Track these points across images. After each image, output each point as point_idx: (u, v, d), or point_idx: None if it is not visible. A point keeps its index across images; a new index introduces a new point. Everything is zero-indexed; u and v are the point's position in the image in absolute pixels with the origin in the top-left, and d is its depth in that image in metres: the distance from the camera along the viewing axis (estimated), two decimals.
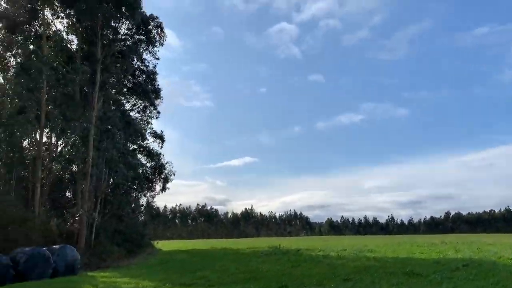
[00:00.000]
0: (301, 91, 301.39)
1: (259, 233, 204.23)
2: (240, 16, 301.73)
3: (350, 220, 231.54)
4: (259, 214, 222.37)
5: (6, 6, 30.85)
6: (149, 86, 41.26)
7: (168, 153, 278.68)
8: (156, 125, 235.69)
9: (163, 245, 77.72)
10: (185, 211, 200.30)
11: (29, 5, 32.33)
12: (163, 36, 36.78)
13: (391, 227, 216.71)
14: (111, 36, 33.83)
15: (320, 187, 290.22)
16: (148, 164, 54.91)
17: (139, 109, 41.25)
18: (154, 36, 36.55)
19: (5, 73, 33.04)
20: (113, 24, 33.39)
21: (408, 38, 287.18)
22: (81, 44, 34.36)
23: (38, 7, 32.57)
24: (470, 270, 17.29)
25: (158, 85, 42.38)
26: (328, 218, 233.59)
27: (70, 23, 35.09)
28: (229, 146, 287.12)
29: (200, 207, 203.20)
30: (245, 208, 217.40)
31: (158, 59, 38.59)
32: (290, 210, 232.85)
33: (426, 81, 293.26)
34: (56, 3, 33.29)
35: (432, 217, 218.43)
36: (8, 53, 33.81)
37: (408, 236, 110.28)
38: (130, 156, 37.80)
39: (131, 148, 55.16)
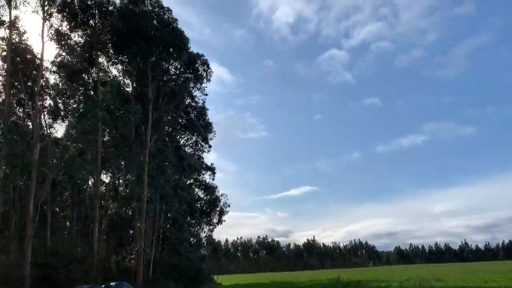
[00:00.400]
0: (357, 115, 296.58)
1: (323, 265, 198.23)
2: (289, 47, 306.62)
3: (420, 247, 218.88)
4: (322, 245, 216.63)
5: (64, 55, 33.12)
6: (200, 121, 42.32)
7: (228, 186, 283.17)
8: (212, 158, 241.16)
9: (224, 279, 77.65)
10: (246, 244, 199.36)
11: (86, 54, 34.73)
12: (209, 73, 37.89)
13: (465, 254, 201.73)
14: (160, 77, 35.30)
15: (386, 214, 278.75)
16: (204, 198, 55.78)
17: (191, 144, 42.22)
18: (201, 73, 37.72)
19: (68, 118, 35.39)
20: (162, 65, 34.82)
21: (465, 53, 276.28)
22: (134, 86, 36.20)
23: (94, 56, 34.84)
24: None
25: (208, 120, 43.43)
26: (396, 247, 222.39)
27: (124, 68, 37.23)
28: (287, 176, 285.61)
29: (260, 239, 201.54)
30: (307, 239, 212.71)
31: (206, 95, 39.68)
32: (354, 240, 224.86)
33: (491, 96, 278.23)
34: (111, 51, 35.47)
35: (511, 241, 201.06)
36: (71, 100, 36.30)
37: (485, 263, 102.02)
38: (185, 191, 38.46)
39: (187, 183, 56.52)
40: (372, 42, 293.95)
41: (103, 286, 23.30)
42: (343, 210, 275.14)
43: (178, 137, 41.65)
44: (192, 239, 52.90)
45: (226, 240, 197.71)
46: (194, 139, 41.71)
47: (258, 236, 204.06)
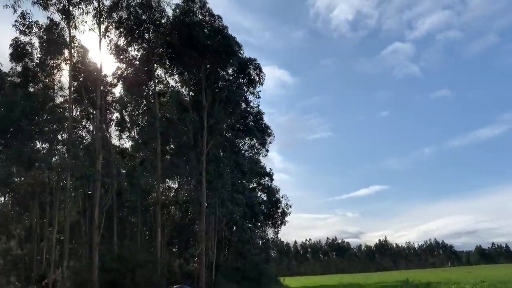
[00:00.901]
0: (427, 109, 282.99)
1: (398, 266, 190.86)
2: (350, 44, 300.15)
3: (504, 246, 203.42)
4: (395, 245, 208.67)
5: (124, 69, 34.81)
6: (256, 125, 42.57)
7: (295, 188, 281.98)
8: (277, 161, 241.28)
9: (292, 281, 77.34)
10: (315, 245, 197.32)
11: (144, 67, 36.31)
12: (262, 77, 37.98)
13: None
14: (214, 84, 35.98)
15: (464, 211, 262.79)
16: (266, 200, 56.04)
17: (247, 148, 42.57)
18: (253, 77, 37.93)
19: (134, 129, 37.28)
20: (214, 72, 35.44)
21: None
22: (190, 95, 37.23)
23: (151, 68, 36.27)
24: None
25: (264, 124, 43.53)
26: (477, 246, 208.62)
27: (180, 78, 38.41)
28: (355, 176, 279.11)
29: (330, 240, 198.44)
30: (379, 240, 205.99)
31: (259, 97, 39.85)
32: (430, 239, 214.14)
33: None
34: (167, 62, 36.73)
35: None
36: (135, 112, 38.12)
37: None
38: (243, 195, 38.85)
39: (250, 186, 57.13)
40: (438, 32, 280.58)
41: None
42: (417, 209, 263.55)
43: (237, 141, 42.12)
44: (257, 241, 53.36)
45: (295, 242, 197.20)
46: (250, 144, 41.97)
47: (328, 238, 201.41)
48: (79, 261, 27.18)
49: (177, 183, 34.10)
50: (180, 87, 39.28)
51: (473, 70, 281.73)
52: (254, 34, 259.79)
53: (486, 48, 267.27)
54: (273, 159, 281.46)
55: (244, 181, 50.59)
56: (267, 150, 44.72)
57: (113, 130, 36.43)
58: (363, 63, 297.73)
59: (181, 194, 32.24)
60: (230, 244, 40.10)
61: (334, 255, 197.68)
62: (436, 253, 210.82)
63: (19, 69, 31.65)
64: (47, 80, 31.89)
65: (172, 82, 39.73)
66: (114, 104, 35.58)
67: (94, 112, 30.94)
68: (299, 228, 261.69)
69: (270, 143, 55.15)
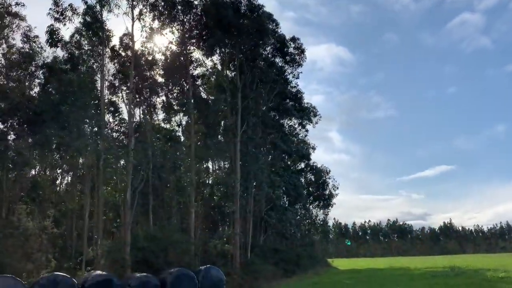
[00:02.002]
0: (499, 84, 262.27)
1: (464, 250, 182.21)
2: (413, 17, 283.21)
3: None
4: (461, 228, 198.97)
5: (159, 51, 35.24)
6: (296, 105, 41.65)
7: (356, 168, 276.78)
8: (337, 140, 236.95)
9: (343, 263, 76.21)
10: (375, 227, 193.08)
11: (181, 50, 36.53)
12: (302, 58, 37.05)
13: None
14: (250, 64, 35.48)
15: None
16: (312, 182, 55.20)
17: (287, 130, 41.72)
18: (294, 57, 37.00)
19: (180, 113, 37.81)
20: (249, 52, 34.88)
21: None
22: (226, 76, 37.03)
23: (186, 49, 36.40)
24: None
25: (305, 104, 42.44)
26: None
27: (219, 59, 38.25)
28: (420, 156, 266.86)
29: (391, 222, 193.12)
30: (444, 222, 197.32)
31: (297, 78, 38.94)
32: (501, 222, 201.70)
33: None
34: (201, 43, 36.67)
35: None
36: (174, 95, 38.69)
37: None
38: (282, 176, 38.42)
39: (298, 168, 56.48)
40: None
41: (191, 270, 24.62)
42: (488, 190, 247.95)
43: (274, 123, 41.44)
44: (299, 222, 52.94)
45: (354, 224, 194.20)
46: (289, 125, 41.11)
47: (389, 219, 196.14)
48: (115, 241, 28.36)
49: (212, 165, 34.31)
50: (217, 69, 39.29)
51: None
52: (311, 9, 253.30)
53: None
54: (332, 139, 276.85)
55: (289, 163, 50.19)
56: (306, 131, 43.74)
57: (160, 113, 37.32)
58: (427, 37, 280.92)
59: (216, 176, 32.44)
60: (269, 225, 39.98)
61: (395, 237, 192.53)
62: (508, 237, 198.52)
63: (60, 53, 33.12)
64: (94, 65, 33.00)
65: (210, 64, 39.79)
66: (157, 88, 36.04)
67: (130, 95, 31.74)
68: (361, 209, 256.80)
69: (316, 123, 54.13)
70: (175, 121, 33.78)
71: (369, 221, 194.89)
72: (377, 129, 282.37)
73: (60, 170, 41.86)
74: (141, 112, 35.65)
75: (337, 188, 58.27)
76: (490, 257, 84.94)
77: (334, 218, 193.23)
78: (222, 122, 34.96)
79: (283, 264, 34.74)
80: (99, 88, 32.93)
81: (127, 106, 29.00)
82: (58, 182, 42.72)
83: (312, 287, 27.06)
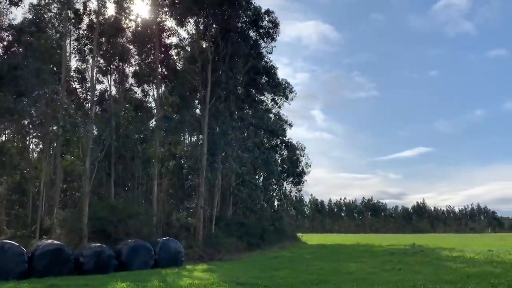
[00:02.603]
0: (480, 70, 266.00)
1: (435, 229, 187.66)
2: None
3: None
4: (433, 208, 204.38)
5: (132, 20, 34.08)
6: (269, 81, 41.15)
7: (338, 147, 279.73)
8: (319, 120, 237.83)
9: (313, 238, 77.52)
10: (351, 204, 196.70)
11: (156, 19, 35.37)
12: (276, 32, 36.35)
13: None
14: (222, 36, 34.65)
15: None
16: (284, 158, 55.30)
17: (258, 105, 41.28)
18: (268, 31, 36.28)
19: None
20: (222, 23, 34.00)
21: None
22: (198, 47, 36.12)
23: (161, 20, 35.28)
24: None
25: (278, 80, 41.93)
26: None
27: (193, 29, 37.21)
28: (400, 137, 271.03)
29: (366, 200, 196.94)
30: (417, 202, 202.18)
31: (270, 53, 38.35)
32: (472, 204, 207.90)
33: None
34: (174, 12, 35.56)
35: None
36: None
37: None
38: (252, 152, 38.28)
39: (273, 144, 56.41)
40: None
41: (147, 241, 24.44)
42: (464, 173, 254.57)
43: (246, 98, 40.93)
44: (272, 198, 53.33)
45: (330, 200, 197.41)
46: (261, 100, 40.60)
47: (364, 197, 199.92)
48: (70, 209, 27.97)
49: (187, 138, 33.81)
50: (190, 39, 38.32)
51: None
52: None
53: None
54: (315, 117, 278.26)
55: (265, 139, 50.15)
56: (279, 107, 43.41)
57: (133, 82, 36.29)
58: (412, 19, 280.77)
59: (182, 148, 32.05)
60: (238, 200, 40.10)
61: (369, 215, 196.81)
62: (477, 219, 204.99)
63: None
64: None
65: (184, 35, 38.74)
66: (119, 55, 34.93)
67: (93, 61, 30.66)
68: (340, 187, 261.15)
69: (291, 99, 53.81)
70: (142, 91, 33.03)
71: (345, 198, 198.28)
72: (359, 109, 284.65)
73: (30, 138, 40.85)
74: (111, 81, 34.70)
75: (310, 165, 58.81)
76: (456, 237, 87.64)
77: (311, 195, 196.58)
78: (190, 94, 34.27)
79: (248, 237, 34.94)
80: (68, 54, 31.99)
81: (90, 73, 28.09)
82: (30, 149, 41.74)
83: (272, 260, 27.30)
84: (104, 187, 30.37)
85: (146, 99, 35.58)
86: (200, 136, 34.67)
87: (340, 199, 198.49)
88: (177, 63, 36.08)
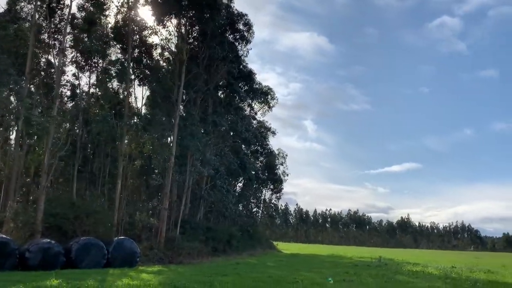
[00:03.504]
0: (471, 89, 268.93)
1: (418, 245, 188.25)
2: (395, 14, 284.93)
3: None
4: (417, 224, 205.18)
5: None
6: (248, 87, 40.96)
7: (328, 158, 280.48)
8: (310, 130, 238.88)
9: (291, 247, 77.25)
10: (336, 216, 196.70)
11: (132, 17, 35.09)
12: (251, 34, 36.21)
13: None
14: (198, 37, 34.50)
15: (500, 197, 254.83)
16: (260, 165, 55.05)
17: (234, 110, 40.97)
18: (243, 34, 36.15)
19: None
20: (197, 25, 33.86)
21: None
22: (176, 47, 35.87)
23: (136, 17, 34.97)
24: None
25: (255, 85, 41.74)
26: (504, 233, 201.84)
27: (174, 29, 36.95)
28: (389, 151, 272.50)
29: (352, 213, 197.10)
30: (402, 217, 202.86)
31: (245, 56, 38.21)
32: (457, 221, 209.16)
33: None
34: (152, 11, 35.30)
35: None
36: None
37: None
38: (224, 156, 38.00)
39: (251, 150, 56.18)
40: (491, 7, 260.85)
41: (101, 239, 23.90)
42: (451, 190, 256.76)
43: (222, 101, 40.65)
44: (245, 204, 52.97)
45: (315, 211, 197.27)
46: (237, 105, 40.23)
47: (350, 209, 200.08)
48: (24, 203, 27.43)
49: (149, 136, 33.31)
50: (167, 39, 38.03)
51: None
52: None
53: None
54: (307, 127, 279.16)
55: (243, 146, 49.94)
56: (255, 113, 43.18)
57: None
58: (407, 36, 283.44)
59: (150, 148, 31.62)
60: (211, 204, 39.74)
61: (353, 227, 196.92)
62: (460, 236, 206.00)
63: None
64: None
65: (165, 34, 38.47)
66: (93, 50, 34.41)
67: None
68: (328, 198, 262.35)
69: (273, 106, 53.77)
70: (111, 88, 32.61)
71: (330, 209, 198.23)
72: (350, 122, 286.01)
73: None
74: (88, 76, 34.33)
75: (287, 174, 58.70)
76: (434, 253, 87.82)
77: (297, 204, 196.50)
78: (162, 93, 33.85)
79: (214, 242, 34.53)
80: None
81: (56, 67, 27.61)
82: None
83: (231, 266, 26.92)
84: (65, 184, 29.88)
85: (123, 97, 35.11)
86: (170, 137, 34.30)
87: (326, 210, 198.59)
88: (151, 63, 35.72)
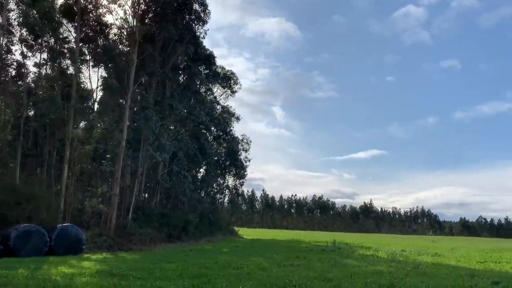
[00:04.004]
0: (434, 78, 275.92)
1: (380, 230, 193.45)
2: (363, 3, 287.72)
3: (489, 220, 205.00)
4: (380, 209, 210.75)
5: None
6: (207, 70, 40.04)
7: (295, 145, 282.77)
8: (279, 116, 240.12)
9: (253, 233, 77.57)
10: (301, 201, 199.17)
11: None
12: (207, 13, 35.20)
13: None
14: (154, 17, 33.26)
15: (460, 184, 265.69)
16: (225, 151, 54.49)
17: (192, 94, 39.92)
18: (199, 15, 35.13)
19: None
20: (152, 4, 32.59)
21: None
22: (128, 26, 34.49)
23: None
24: None
25: (218, 69, 40.83)
26: (461, 218, 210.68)
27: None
28: (355, 138, 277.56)
29: (316, 198, 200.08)
30: (364, 203, 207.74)
31: (203, 38, 37.25)
32: (417, 207, 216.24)
33: None
34: None
35: None
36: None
37: None
38: (180, 141, 37.15)
39: (215, 135, 55.43)
40: None
41: (43, 226, 22.82)
42: (414, 177, 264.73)
43: (179, 85, 39.52)
44: (208, 189, 52.40)
45: (281, 196, 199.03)
46: (195, 89, 39.15)
47: (314, 195, 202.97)
48: None
49: (94, 119, 32.05)
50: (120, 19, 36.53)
51: (485, 42, 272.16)
52: None
53: (502, 19, 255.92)
54: (275, 113, 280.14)
55: (203, 131, 49.17)
56: (215, 98, 42.31)
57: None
58: (373, 24, 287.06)
59: (101, 133, 30.45)
60: (169, 190, 38.92)
61: (318, 212, 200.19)
62: (420, 221, 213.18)
63: None
64: None
65: (121, 14, 36.92)
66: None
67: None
68: (295, 184, 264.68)
69: (235, 91, 53.10)
70: (62, 68, 31.03)
71: (295, 195, 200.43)
72: (317, 109, 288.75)
73: None
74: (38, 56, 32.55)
75: (249, 160, 58.38)
76: (393, 237, 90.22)
77: (263, 190, 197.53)
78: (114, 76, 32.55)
79: (169, 229, 33.83)
80: None
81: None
82: None
83: (183, 253, 26.41)
84: (10, 169, 28.39)
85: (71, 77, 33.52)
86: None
87: (292, 195, 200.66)
88: (106, 43, 34.22)
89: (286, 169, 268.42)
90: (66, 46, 30.84)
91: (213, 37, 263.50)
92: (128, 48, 32.94)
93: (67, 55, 30.75)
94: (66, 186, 27.43)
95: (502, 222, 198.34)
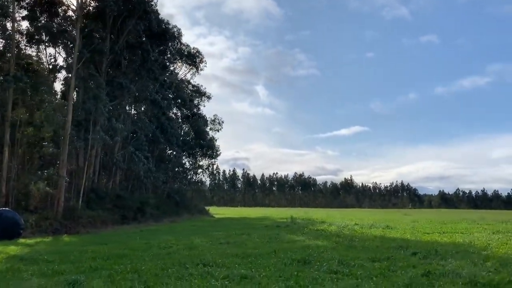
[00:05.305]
0: (413, 54, 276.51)
1: (360, 204, 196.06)
2: None
3: (467, 192, 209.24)
4: (360, 184, 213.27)
5: None
6: (163, 46, 38.65)
7: (279, 123, 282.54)
8: (262, 95, 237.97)
9: (227, 211, 77.44)
10: (282, 179, 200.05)
11: None
12: None
13: None
14: None
15: (440, 157, 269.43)
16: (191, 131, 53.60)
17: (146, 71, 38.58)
18: None
19: None
20: None
21: None
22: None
23: None
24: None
25: (182, 46, 39.33)
26: (440, 191, 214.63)
27: None
28: (337, 115, 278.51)
29: (297, 175, 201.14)
30: (345, 178, 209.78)
31: (157, 13, 35.72)
32: (397, 181, 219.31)
33: None
34: None
35: None
36: None
37: None
38: (137, 123, 36.12)
39: (184, 115, 54.30)
40: None
41: None
42: (396, 152, 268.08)
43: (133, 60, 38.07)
44: (173, 169, 51.67)
45: (263, 175, 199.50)
46: (149, 68, 37.72)
47: (296, 172, 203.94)
48: None
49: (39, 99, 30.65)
50: None
51: (464, 17, 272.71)
52: None
53: None
54: (258, 92, 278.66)
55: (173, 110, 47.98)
56: (171, 74, 41.04)
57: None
58: (352, 0, 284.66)
59: (43, 113, 29.15)
60: (123, 171, 38.06)
61: (299, 189, 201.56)
62: (400, 195, 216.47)
63: None
64: None
65: None
66: None
67: None
68: (280, 162, 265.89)
69: (201, 69, 51.86)
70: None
71: (277, 173, 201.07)
72: (299, 86, 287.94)
73: None
74: None
75: (216, 140, 57.69)
76: (368, 211, 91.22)
77: (243, 169, 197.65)
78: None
79: (123, 210, 33.10)
80: None
81: None
82: None
83: (133, 234, 25.79)
84: None
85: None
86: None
87: (273, 173, 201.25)
88: (50, 21, 32.64)
89: (271, 147, 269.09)
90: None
91: (192, 15, 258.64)
92: (70, 26, 31.51)
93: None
94: (10, 170, 26.31)
95: (480, 193, 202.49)
